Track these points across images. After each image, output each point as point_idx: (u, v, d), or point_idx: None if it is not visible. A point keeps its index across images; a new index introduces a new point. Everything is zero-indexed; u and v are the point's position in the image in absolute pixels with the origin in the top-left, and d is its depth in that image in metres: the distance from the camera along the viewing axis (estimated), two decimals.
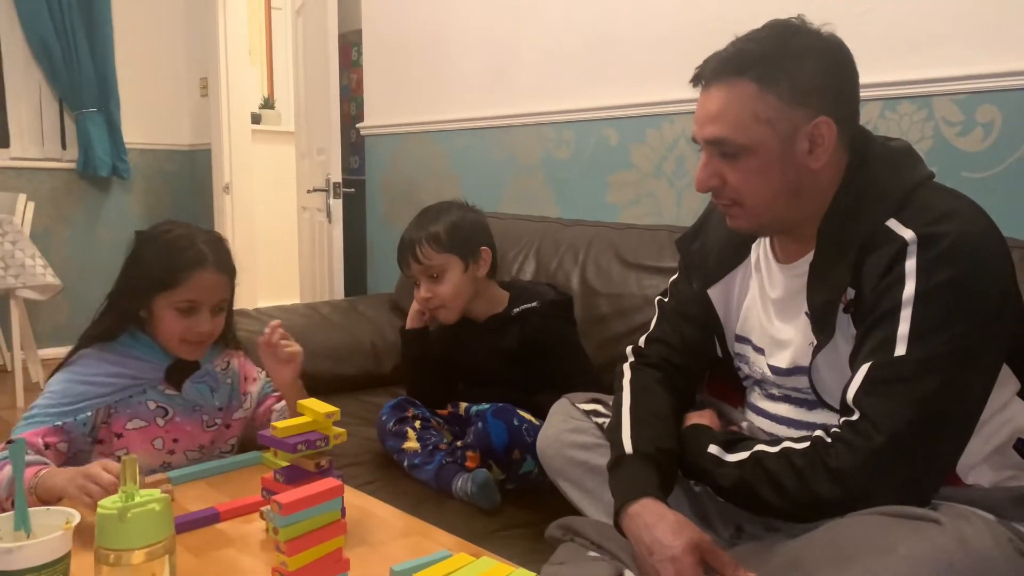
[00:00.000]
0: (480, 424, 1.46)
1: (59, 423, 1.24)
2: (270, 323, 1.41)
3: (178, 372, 1.38)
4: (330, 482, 0.98)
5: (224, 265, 1.35)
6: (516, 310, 1.64)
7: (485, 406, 1.52)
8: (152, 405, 1.35)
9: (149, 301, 1.31)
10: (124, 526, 0.83)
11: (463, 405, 1.65)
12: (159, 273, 1.30)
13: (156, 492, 0.88)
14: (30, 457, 1.15)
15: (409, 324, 1.71)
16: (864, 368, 0.94)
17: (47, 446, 1.23)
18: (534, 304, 1.64)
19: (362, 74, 3.19)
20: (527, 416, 1.48)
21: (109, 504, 0.84)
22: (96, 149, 4.21)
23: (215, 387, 1.42)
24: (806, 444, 0.97)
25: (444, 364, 1.71)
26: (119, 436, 1.32)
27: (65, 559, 0.86)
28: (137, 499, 0.85)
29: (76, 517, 0.90)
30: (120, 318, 1.34)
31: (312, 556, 0.95)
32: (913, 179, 1.01)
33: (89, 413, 1.28)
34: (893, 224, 0.96)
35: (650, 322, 1.29)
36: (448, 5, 2.71)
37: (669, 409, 1.16)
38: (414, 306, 1.70)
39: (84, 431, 1.29)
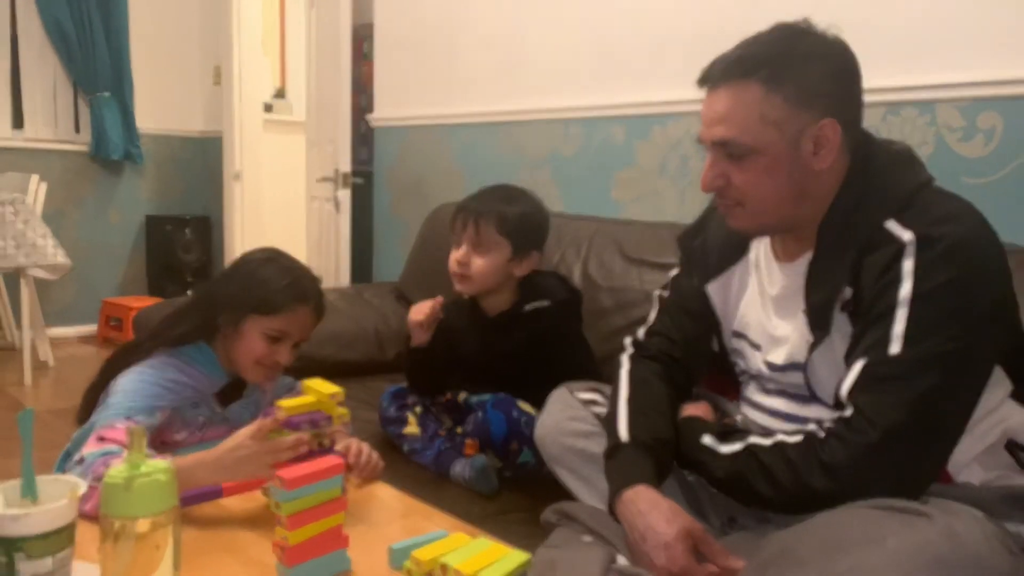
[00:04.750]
0: (480, 414, 1.47)
1: (141, 419, 1.23)
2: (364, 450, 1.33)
3: (228, 392, 1.39)
4: (332, 459, 1.00)
5: (320, 308, 1.37)
6: (527, 307, 1.60)
7: (485, 396, 1.52)
8: (201, 419, 1.36)
9: (241, 317, 1.31)
10: (130, 495, 0.84)
11: (462, 394, 1.66)
12: (265, 295, 1.30)
13: (162, 463, 0.89)
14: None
15: (414, 342, 1.61)
16: (859, 365, 0.96)
17: None
18: (546, 303, 1.59)
19: (373, 67, 3.21)
20: (527, 408, 1.48)
21: (115, 473, 0.86)
22: (109, 133, 4.24)
23: (256, 411, 1.42)
24: (799, 438, 0.98)
25: (447, 359, 1.67)
26: (164, 444, 1.32)
27: (70, 527, 0.87)
28: (143, 469, 0.86)
29: (82, 486, 0.91)
30: (201, 326, 1.33)
31: (313, 531, 0.97)
32: (914, 182, 1.02)
33: (159, 415, 1.28)
34: (892, 225, 0.97)
35: (649, 315, 1.31)
36: (459, 0, 2.72)
37: (666, 401, 1.17)
38: (412, 320, 1.60)
39: (151, 433, 1.27)
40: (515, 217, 1.57)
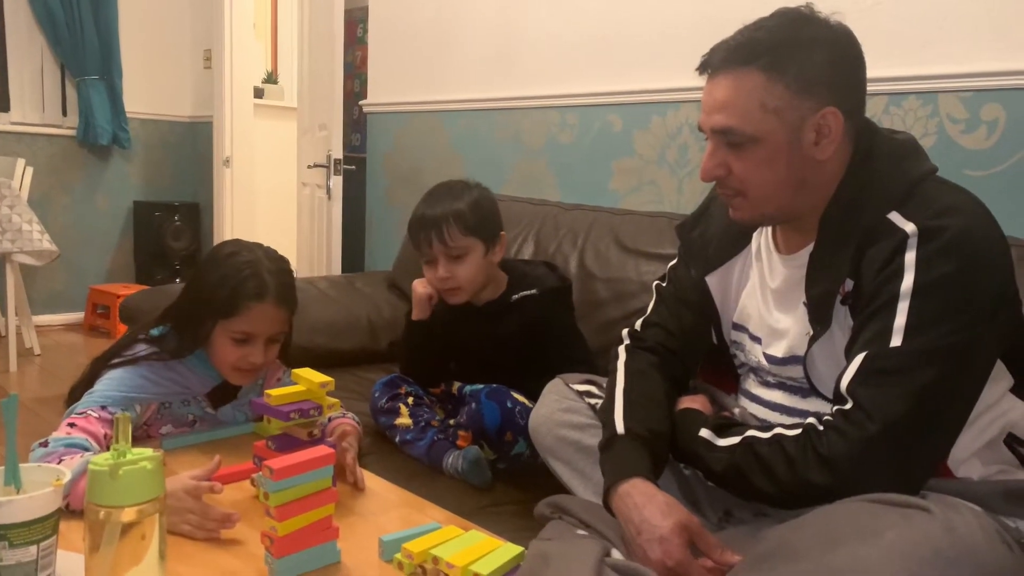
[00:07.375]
0: (474, 405, 1.46)
1: (116, 410, 1.22)
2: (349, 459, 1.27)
3: (221, 393, 1.39)
4: (322, 449, 0.98)
5: (284, 298, 1.33)
6: (515, 296, 1.59)
7: (479, 387, 1.51)
8: (191, 417, 1.36)
9: (208, 325, 1.30)
10: (115, 483, 0.83)
11: (456, 384, 1.65)
12: (219, 301, 1.28)
13: (148, 451, 0.87)
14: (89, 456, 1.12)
15: (416, 315, 1.65)
16: (859, 358, 0.95)
17: (106, 436, 1.21)
18: (534, 291, 1.59)
19: (367, 51, 3.17)
20: (520, 398, 1.47)
21: (101, 461, 0.84)
22: (97, 117, 4.19)
23: (250, 414, 1.42)
24: (798, 431, 0.97)
25: (442, 348, 1.68)
26: (150, 438, 1.33)
27: (55, 515, 0.86)
28: (129, 457, 0.85)
29: (67, 474, 0.90)
30: (189, 341, 1.33)
31: (302, 522, 0.95)
32: (917, 173, 1.01)
33: (138, 408, 1.28)
34: (895, 217, 0.96)
35: (647, 306, 1.29)
36: None
37: (663, 393, 1.16)
38: (420, 292, 1.63)
39: (134, 424, 1.28)
40: (472, 211, 1.55)
